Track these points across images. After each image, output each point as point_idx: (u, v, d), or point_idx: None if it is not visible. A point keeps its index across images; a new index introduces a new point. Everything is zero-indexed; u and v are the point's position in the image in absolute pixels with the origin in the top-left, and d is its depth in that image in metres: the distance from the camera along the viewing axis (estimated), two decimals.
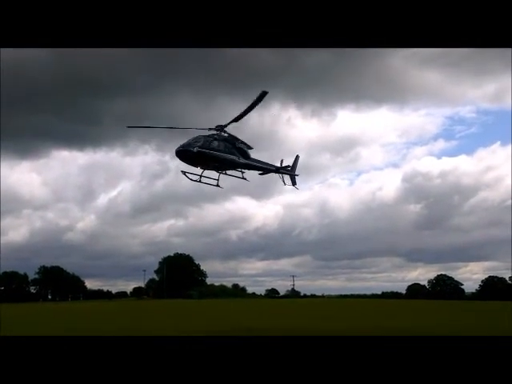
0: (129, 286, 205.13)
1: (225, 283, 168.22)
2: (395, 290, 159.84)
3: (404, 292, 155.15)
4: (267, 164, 37.07)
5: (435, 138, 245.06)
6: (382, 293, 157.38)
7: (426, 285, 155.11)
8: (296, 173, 39.83)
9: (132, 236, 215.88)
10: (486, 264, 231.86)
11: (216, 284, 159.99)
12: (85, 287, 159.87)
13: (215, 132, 32.93)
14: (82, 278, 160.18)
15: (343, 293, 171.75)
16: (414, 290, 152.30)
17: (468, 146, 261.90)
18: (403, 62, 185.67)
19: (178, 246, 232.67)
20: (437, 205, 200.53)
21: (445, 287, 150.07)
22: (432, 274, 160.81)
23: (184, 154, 31.42)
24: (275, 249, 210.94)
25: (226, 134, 33.46)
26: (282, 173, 38.25)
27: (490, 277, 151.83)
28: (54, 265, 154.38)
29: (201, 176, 33.42)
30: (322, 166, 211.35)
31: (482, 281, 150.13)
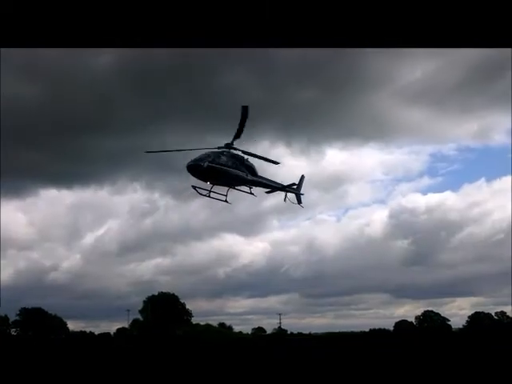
0: (112, 327, 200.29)
1: (211, 322, 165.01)
2: (383, 327, 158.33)
3: (392, 329, 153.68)
4: (274, 182, 37.73)
5: (420, 174, 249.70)
6: (370, 330, 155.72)
7: (414, 321, 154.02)
8: (301, 192, 40.99)
9: (118, 275, 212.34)
10: (473, 299, 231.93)
11: (202, 323, 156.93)
12: (67, 328, 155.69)
13: (225, 149, 33.79)
14: (65, 319, 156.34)
15: (331, 330, 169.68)
16: (402, 326, 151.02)
17: (453, 182, 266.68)
18: (389, 99, 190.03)
19: (164, 285, 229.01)
20: (423, 241, 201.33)
21: (432, 323, 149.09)
22: (419, 310, 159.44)
23: (195, 168, 32.27)
24: (262, 286, 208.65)
25: (236, 152, 34.30)
26: (288, 191, 39.09)
27: (476, 312, 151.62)
28: (36, 306, 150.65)
29: (210, 191, 34.08)
30: (309, 202, 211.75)
31: (469, 316, 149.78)
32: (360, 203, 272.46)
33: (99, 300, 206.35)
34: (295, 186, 39.94)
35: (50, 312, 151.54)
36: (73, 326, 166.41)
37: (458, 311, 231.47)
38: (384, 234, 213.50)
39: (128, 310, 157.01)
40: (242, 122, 31.68)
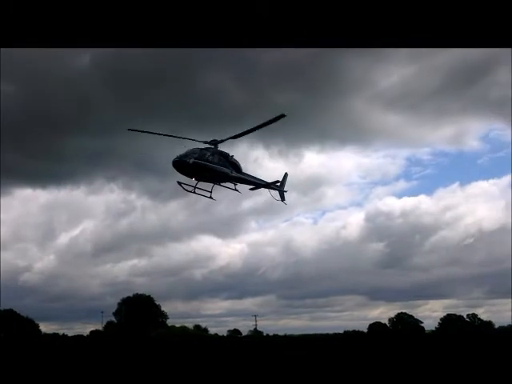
0: (86, 329, 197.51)
1: (186, 324, 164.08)
2: (357, 329, 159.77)
3: (366, 331, 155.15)
4: (258, 179, 38.46)
5: (397, 178, 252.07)
6: (344, 332, 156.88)
7: (387, 323, 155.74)
8: (285, 189, 41.36)
9: (92, 276, 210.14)
10: (446, 302, 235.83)
11: (177, 325, 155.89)
12: (39, 331, 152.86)
13: (210, 146, 34.10)
14: (37, 321, 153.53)
15: (306, 332, 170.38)
16: (376, 328, 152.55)
17: (427, 186, 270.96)
18: (366, 103, 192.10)
19: (139, 287, 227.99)
20: (398, 244, 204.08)
21: (405, 325, 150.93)
22: (393, 312, 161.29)
23: (180, 164, 32.47)
24: (239, 288, 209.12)
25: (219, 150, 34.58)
26: (272, 188, 39.88)
27: (448, 314, 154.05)
28: (7, 308, 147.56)
29: (195, 187, 34.35)
30: (287, 204, 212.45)
31: (441, 318, 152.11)
32: (337, 206, 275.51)
33: (73, 302, 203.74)
34: (278, 184, 40.59)
35: (21, 314, 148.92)
36: (45, 328, 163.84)
37: (430, 313, 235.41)
38: (360, 237, 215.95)
39: (102, 312, 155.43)
40: (263, 125, 32.35)
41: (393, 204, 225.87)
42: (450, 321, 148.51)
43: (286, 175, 42.06)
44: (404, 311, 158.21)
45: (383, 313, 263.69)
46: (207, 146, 34.31)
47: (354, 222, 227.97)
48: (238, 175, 36.34)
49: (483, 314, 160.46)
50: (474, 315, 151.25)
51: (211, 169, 33.59)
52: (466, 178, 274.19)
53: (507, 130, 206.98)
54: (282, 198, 41.39)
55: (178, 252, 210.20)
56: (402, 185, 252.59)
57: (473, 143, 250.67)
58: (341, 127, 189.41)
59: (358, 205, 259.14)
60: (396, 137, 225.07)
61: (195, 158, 32.73)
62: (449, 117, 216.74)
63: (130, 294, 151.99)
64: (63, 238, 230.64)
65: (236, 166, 36.07)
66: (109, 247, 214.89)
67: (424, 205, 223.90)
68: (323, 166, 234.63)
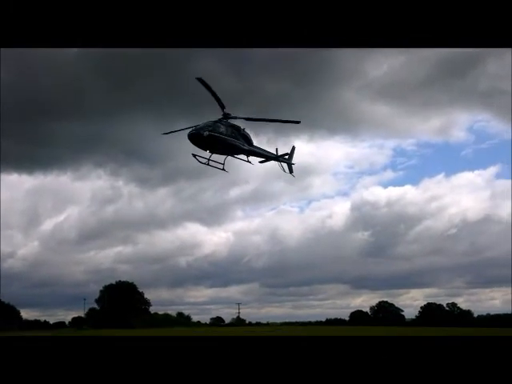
0: (68, 316, 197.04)
1: (170, 312, 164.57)
2: (339, 317, 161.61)
3: (347, 319, 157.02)
4: (268, 152, 39.64)
5: (384, 168, 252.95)
6: (326, 320, 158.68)
7: (369, 311, 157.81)
8: (292, 162, 42.62)
9: (76, 263, 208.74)
10: (427, 291, 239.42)
11: (160, 313, 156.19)
12: (20, 317, 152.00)
13: (222, 118, 35.01)
14: (18, 308, 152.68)
15: (289, 320, 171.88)
16: (357, 316, 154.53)
17: (414, 177, 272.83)
18: (355, 93, 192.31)
19: (123, 274, 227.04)
20: (383, 233, 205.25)
21: (386, 314, 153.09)
22: (375, 301, 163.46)
23: (196, 136, 33.30)
24: (224, 276, 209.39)
25: (237, 121, 35.85)
26: (281, 161, 41.23)
27: (428, 303, 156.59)
28: None
29: (209, 159, 35.19)
30: (273, 193, 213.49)
31: (421, 307, 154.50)
32: (323, 195, 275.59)
33: (56, 288, 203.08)
34: (287, 156, 41.85)
35: (2, 300, 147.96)
36: (27, 314, 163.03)
37: (412, 302, 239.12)
38: (345, 226, 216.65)
39: (84, 299, 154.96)
40: (212, 92, 33.29)
41: (379, 194, 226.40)
42: (429, 309, 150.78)
43: (293, 148, 43.03)
44: (385, 300, 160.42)
45: (365, 301, 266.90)
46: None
47: (339, 212, 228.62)
48: (250, 148, 37.30)
49: (463, 303, 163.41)
50: (454, 304, 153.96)
51: (225, 141, 34.36)
52: (451, 169, 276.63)
53: (493, 122, 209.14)
54: (291, 171, 42.58)
55: (164, 240, 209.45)
56: (388, 175, 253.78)
57: (459, 134, 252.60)
58: (330, 117, 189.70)
59: (345, 194, 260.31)
60: (384, 127, 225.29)
61: (209, 131, 33.31)
62: (437, 108, 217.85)
63: (114, 281, 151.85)
64: (48, 224, 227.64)
65: (247, 139, 36.93)
66: (94, 234, 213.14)
67: (409, 195, 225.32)
68: (312, 155, 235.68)
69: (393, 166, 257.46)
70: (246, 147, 36.92)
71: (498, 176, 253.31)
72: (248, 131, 36.57)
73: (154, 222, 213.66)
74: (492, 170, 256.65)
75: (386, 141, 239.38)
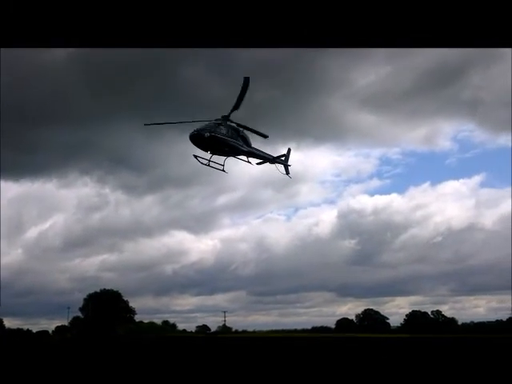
0: (52, 325, 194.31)
1: (155, 320, 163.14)
2: (325, 325, 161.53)
3: (333, 326, 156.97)
4: (265, 153, 40.51)
5: (370, 176, 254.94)
6: (312, 328, 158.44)
7: (354, 319, 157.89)
8: (288, 163, 43.43)
9: (60, 271, 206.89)
10: (412, 298, 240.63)
11: (145, 321, 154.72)
12: (3, 326, 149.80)
13: (222, 120, 35.22)
14: (1, 317, 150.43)
15: (275, 328, 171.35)
16: (343, 324, 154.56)
17: (400, 185, 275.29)
18: (342, 102, 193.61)
19: (108, 282, 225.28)
20: (369, 241, 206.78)
21: (372, 321, 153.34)
22: (361, 309, 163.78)
23: (197, 138, 33.69)
24: (210, 284, 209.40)
25: (233, 124, 36.01)
26: (278, 162, 42.23)
27: (413, 311, 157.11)
28: None
29: (209, 160, 35.73)
30: (261, 201, 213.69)
31: (407, 315, 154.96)
32: (310, 203, 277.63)
33: (40, 297, 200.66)
34: (283, 158, 42.94)
35: None
36: (9, 323, 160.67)
37: (397, 310, 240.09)
38: (332, 234, 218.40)
39: (68, 308, 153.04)
40: (242, 94, 33.38)
41: (365, 202, 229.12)
42: (414, 317, 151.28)
43: (289, 150, 44.36)
44: (371, 307, 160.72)
45: (351, 309, 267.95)
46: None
47: (326, 219, 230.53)
48: (249, 149, 38.07)
49: (447, 310, 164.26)
50: (439, 312, 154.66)
51: (226, 142, 34.88)
52: (436, 178, 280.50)
53: (476, 131, 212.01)
54: (287, 172, 43.52)
55: (150, 247, 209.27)
56: (375, 183, 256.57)
57: (444, 143, 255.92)
58: (317, 125, 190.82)
59: (332, 202, 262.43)
60: (370, 136, 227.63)
61: (211, 132, 33.83)
62: (422, 117, 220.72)
63: (98, 290, 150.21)
64: (32, 232, 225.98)
65: (246, 140, 37.55)
66: (79, 242, 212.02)
67: (395, 203, 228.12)
68: (299, 164, 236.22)
69: (379, 174, 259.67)
70: (246, 148, 37.68)
71: (483, 185, 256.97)
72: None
73: (140, 229, 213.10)
74: (476, 178, 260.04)
75: (372, 150, 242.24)
